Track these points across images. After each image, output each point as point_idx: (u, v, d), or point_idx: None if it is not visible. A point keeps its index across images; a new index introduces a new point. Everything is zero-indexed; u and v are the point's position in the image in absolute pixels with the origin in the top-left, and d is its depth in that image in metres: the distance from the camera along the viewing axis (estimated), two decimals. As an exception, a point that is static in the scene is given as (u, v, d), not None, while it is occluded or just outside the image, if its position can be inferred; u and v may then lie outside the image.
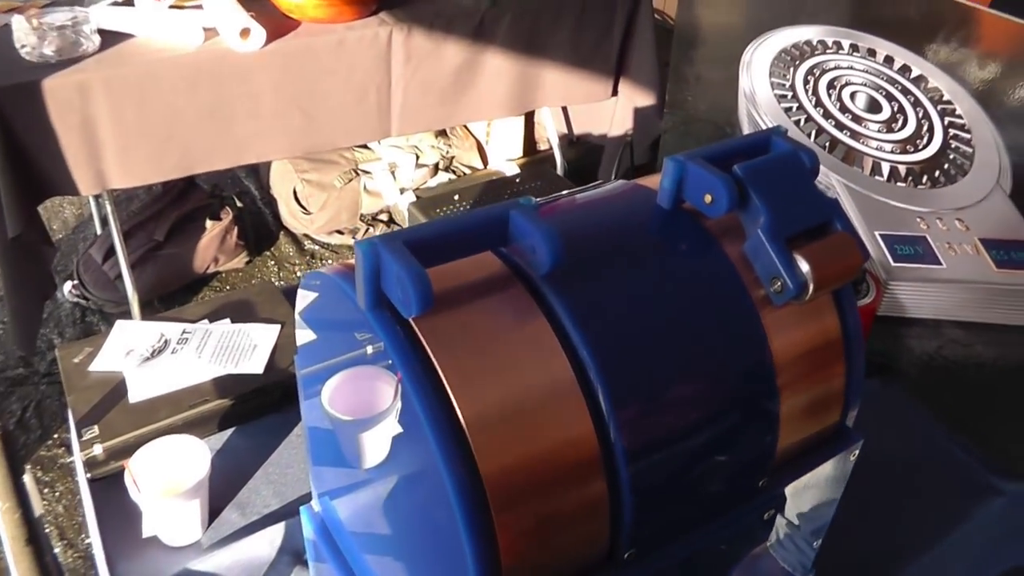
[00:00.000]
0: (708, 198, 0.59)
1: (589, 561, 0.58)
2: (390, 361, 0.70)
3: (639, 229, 0.62)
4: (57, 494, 1.96)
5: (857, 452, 0.72)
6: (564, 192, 0.67)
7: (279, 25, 2.05)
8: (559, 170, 2.84)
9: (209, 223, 2.61)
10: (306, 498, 1.00)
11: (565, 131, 2.98)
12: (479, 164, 3.02)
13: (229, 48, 1.96)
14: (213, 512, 1.00)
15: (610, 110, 2.68)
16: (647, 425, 0.56)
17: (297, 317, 0.72)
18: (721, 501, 0.64)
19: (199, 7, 2.03)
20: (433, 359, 0.52)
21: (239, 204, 2.75)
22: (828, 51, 1.20)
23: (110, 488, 1.01)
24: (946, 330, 1.17)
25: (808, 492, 0.75)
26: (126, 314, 2.28)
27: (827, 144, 1.22)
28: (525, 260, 0.55)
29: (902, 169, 1.16)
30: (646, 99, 2.55)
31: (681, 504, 0.60)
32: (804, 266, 0.59)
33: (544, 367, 0.53)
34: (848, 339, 0.69)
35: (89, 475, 1.02)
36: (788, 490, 0.71)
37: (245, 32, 1.94)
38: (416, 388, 0.51)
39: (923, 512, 1.06)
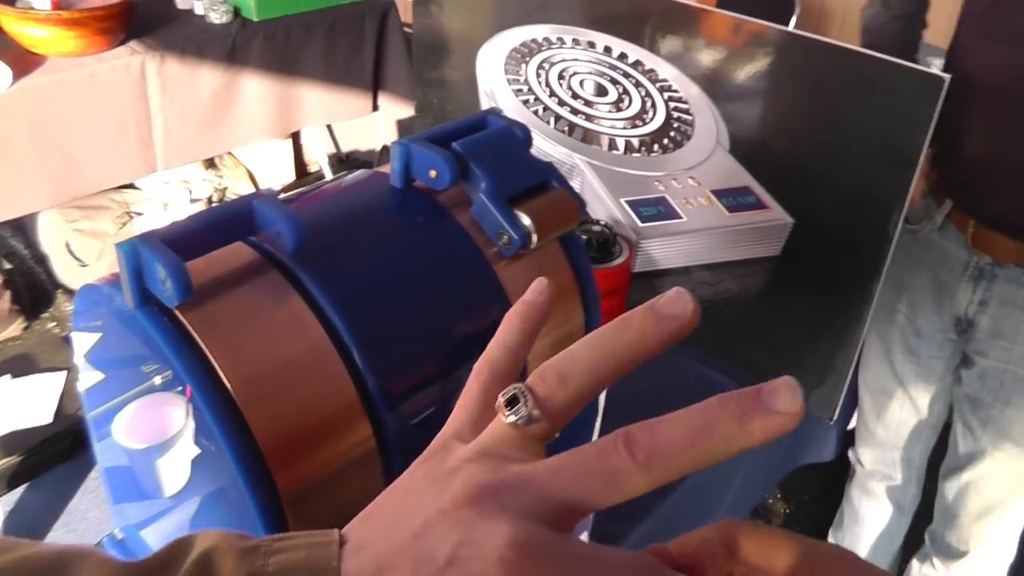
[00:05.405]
0: (433, 173, 0.67)
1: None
2: (180, 388, 0.72)
3: (376, 207, 0.69)
4: None
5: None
6: (307, 186, 0.73)
7: (23, 62, 1.95)
8: (334, 188, 2.88)
9: (-24, 291, 2.45)
10: (111, 539, 1.00)
11: (334, 150, 3.03)
12: (252, 191, 3.00)
13: (-27, 92, 1.86)
14: (14, 571, 0.97)
15: (374, 125, 2.75)
16: (402, 377, 0.63)
17: (80, 359, 0.72)
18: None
19: (-69, 50, 1.92)
20: (201, 344, 0.57)
21: (7, 266, 2.59)
22: (553, 46, 1.32)
23: None
24: (696, 274, 1.31)
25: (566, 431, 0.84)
26: None
27: (566, 128, 1.35)
28: (274, 245, 0.61)
29: (635, 142, 1.30)
30: (406, 110, 2.64)
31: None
32: (526, 220, 0.68)
33: (302, 337, 0.59)
34: (583, 288, 0.78)
35: None
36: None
37: (-11, 72, 1.85)
38: (188, 372, 0.55)
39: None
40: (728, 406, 0.30)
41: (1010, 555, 1.55)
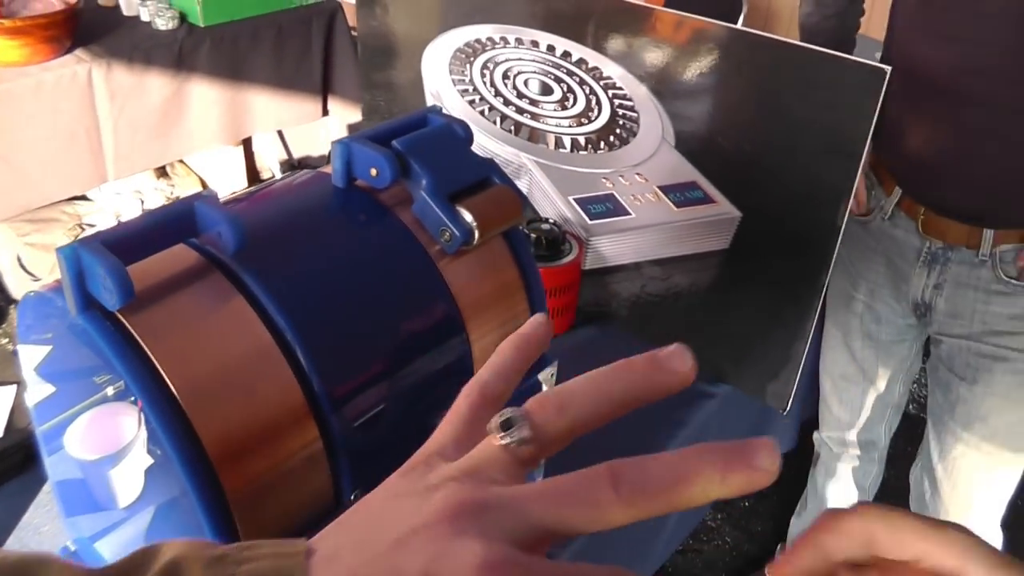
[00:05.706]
0: (374, 172, 0.67)
1: (317, 511, 0.65)
2: (133, 399, 0.71)
3: (318, 207, 0.69)
4: None
5: (555, 372, 0.83)
6: (250, 188, 0.74)
7: (-35, 73, 1.93)
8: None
9: (-78, 311, 2.40)
10: (67, 553, 0.98)
11: (286, 157, 3.02)
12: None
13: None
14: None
15: (325, 130, 2.75)
16: (348, 377, 0.63)
17: (29, 372, 0.70)
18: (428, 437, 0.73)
19: None
20: (145, 347, 0.57)
21: (-46, 285, 2.55)
22: (497, 46, 1.33)
23: None
24: (646, 270, 1.33)
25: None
26: None
27: (512, 128, 1.36)
28: (216, 246, 0.61)
29: (581, 139, 1.31)
30: (356, 115, 2.64)
31: (391, 443, 0.68)
32: (467, 216, 0.69)
33: (246, 338, 0.59)
34: (528, 284, 0.79)
35: None
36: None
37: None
38: (132, 376, 0.55)
39: (648, 425, 1.20)
40: (713, 457, 0.32)
41: None
